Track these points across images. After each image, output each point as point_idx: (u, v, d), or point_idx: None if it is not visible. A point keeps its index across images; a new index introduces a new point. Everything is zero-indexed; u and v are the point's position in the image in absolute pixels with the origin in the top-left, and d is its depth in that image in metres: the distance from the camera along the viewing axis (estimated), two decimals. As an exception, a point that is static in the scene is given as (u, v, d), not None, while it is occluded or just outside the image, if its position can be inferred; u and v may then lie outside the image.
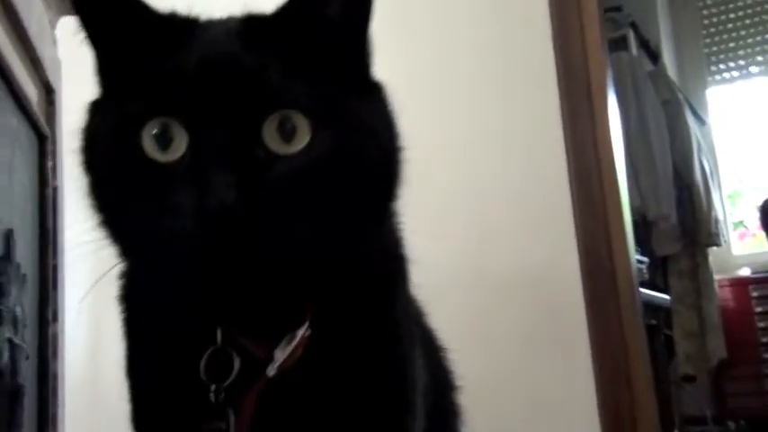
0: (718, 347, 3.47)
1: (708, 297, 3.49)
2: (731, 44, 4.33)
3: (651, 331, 2.67)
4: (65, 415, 1.00)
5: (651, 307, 2.91)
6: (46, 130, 0.92)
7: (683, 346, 3.41)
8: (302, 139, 0.56)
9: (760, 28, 4.26)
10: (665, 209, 3.13)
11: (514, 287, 1.77)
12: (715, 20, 4.34)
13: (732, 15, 4.32)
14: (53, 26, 0.99)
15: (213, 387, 0.60)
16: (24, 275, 0.85)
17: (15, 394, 0.79)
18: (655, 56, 3.67)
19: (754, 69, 4.30)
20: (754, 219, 4.02)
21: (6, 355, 0.76)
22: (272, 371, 0.61)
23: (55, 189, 0.97)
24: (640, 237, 2.61)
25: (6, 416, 0.76)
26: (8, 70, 0.77)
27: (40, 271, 0.93)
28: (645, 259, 3.01)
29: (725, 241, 3.77)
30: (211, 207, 0.52)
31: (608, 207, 1.85)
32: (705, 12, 4.35)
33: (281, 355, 0.61)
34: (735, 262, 4.09)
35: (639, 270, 2.46)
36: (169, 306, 0.62)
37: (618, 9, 3.40)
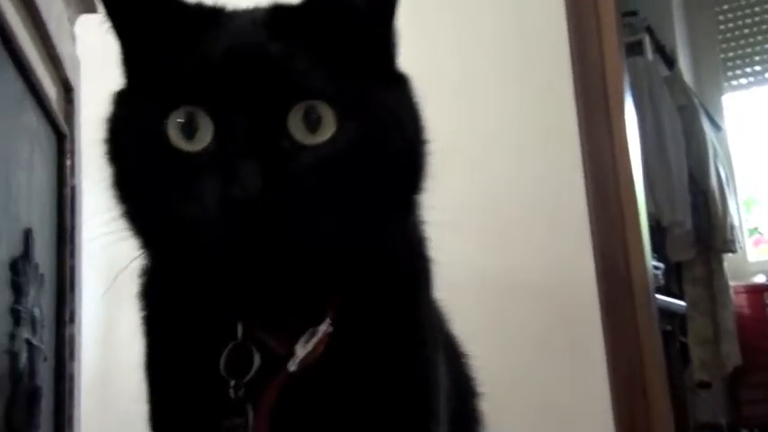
0: (733, 354, 3.43)
1: (723, 304, 3.47)
2: (747, 50, 4.31)
3: (666, 337, 2.65)
4: (80, 415, 1.00)
5: (666, 313, 2.89)
6: (65, 128, 0.91)
7: (697, 353, 3.39)
8: (328, 130, 0.55)
9: (777, 34, 4.24)
10: (680, 215, 3.11)
11: (529, 291, 1.76)
12: (731, 25, 4.31)
13: (749, 21, 4.29)
14: (72, 24, 0.99)
15: (233, 383, 0.60)
16: (42, 275, 0.84)
17: (33, 396, 0.78)
18: (670, 61, 3.64)
19: (770, 75, 4.28)
20: (769, 225, 3.99)
21: (25, 356, 0.76)
22: (293, 366, 0.60)
23: (73, 188, 0.96)
24: (655, 242, 2.58)
25: (24, 417, 0.75)
26: (29, 68, 0.76)
27: (57, 271, 0.93)
28: (660, 265, 2.99)
29: (740, 248, 3.73)
30: (237, 196, 0.52)
31: (624, 212, 1.83)
32: (721, 17, 4.33)
33: (302, 350, 0.60)
34: (750, 269, 4.06)
35: (655, 276, 2.44)
36: (190, 299, 0.61)
37: (634, 14, 3.38)
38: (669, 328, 2.99)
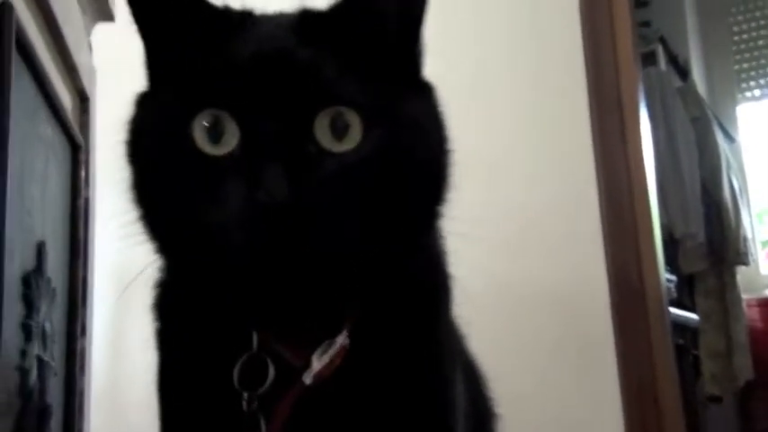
0: (745, 368, 3.39)
1: (735, 317, 3.43)
2: (762, 61, 4.27)
3: (679, 351, 2.62)
4: (90, 430, 0.98)
5: (679, 327, 2.86)
6: (80, 139, 0.90)
7: (708, 366, 3.35)
8: (354, 137, 0.55)
9: (791, 45, 4.21)
10: (693, 227, 3.09)
11: (541, 304, 1.75)
12: (745, 36, 4.29)
13: (763, 32, 4.26)
14: (88, 32, 0.98)
15: (246, 395, 0.59)
16: (54, 289, 0.83)
17: (43, 413, 0.76)
18: (683, 72, 3.62)
19: (785, 87, 4.25)
20: (783, 238, 3.95)
21: (35, 372, 0.74)
22: (308, 378, 0.59)
23: (86, 200, 0.95)
24: (667, 254, 2.56)
25: (35, 436, 0.73)
26: (45, 77, 0.75)
27: (69, 284, 0.91)
28: (673, 278, 2.96)
29: (753, 260, 3.70)
30: (262, 201, 0.51)
31: (638, 223, 1.83)
32: (735, 28, 4.30)
33: (318, 362, 0.59)
34: (763, 281, 4.02)
35: (668, 289, 2.41)
36: (205, 308, 0.60)
37: (647, 24, 3.36)
38: (682, 341, 2.96)
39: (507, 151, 1.82)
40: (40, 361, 0.75)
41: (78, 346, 0.93)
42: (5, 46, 0.61)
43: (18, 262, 0.72)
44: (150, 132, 0.59)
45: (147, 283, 0.67)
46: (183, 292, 0.64)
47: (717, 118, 3.67)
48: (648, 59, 3.20)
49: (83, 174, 0.92)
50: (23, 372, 0.72)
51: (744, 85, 4.30)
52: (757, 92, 4.29)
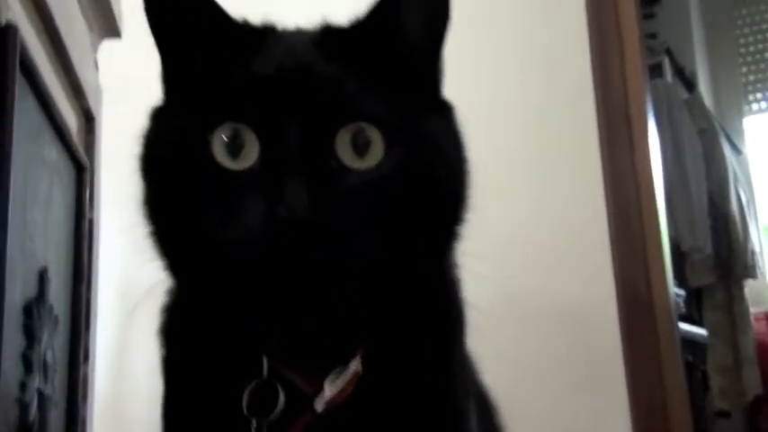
0: (753, 382, 3.36)
1: (743, 330, 3.40)
2: (768, 73, 4.27)
3: (687, 367, 2.59)
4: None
5: (687, 343, 2.83)
6: (85, 161, 0.87)
7: (717, 381, 3.32)
8: (375, 154, 0.55)
9: (798, 57, 4.20)
10: (701, 240, 3.07)
11: (548, 318, 1.75)
12: (752, 48, 4.28)
13: (770, 43, 4.26)
14: (95, 49, 0.95)
15: (255, 422, 0.57)
16: (57, 316, 0.80)
17: (45, 447, 0.73)
18: (690, 84, 3.61)
19: (791, 99, 4.24)
20: (790, 251, 3.92)
21: (35, 405, 0.71)
22: (320, 405, 0.57)
23: (91, 221, 0.92)
24: (674, 267, 2.55)
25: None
26: (50, 99, 0.72)
27: (72, 309, 0.88)
28: (682, 292, 2.94)
29: (761, 273, 3.67)
30: (282, 216, 0.51)
31: (646, 237, 1.83)
32: (742, 40, 4.30)
33: (330, 388, 0.58)
34: (770, 295, 3.98)
35: (677, 303, 2.39)
36: (215, 331, 0.59)
37: (653, 36, 3.35)
38: (690, 358, 2.93)
39: (515, 164, 1.81)
40: (41, 394, 0.72)
41: (81, 373, 0.90)
42: (9, 70, 0.59)
43: (19, 290, 0.69)
44: (167, 146, 0.58)
45: (153, 303, 0.65)
46: (192, 315, 0.62)
47: (724, 130, 3.66)
48: (655, 71, 3.19)
49: (87, 195, 0.89)
50: (23, 405, 0.69)
51: (750, 97, 4.29)
52: (764, 104, 4.29)
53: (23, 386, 0.69)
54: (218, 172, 0.54)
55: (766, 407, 3.49)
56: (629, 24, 1.92)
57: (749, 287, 3.57)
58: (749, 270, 3.40)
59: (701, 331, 3.22)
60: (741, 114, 4.26)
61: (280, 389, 0.58)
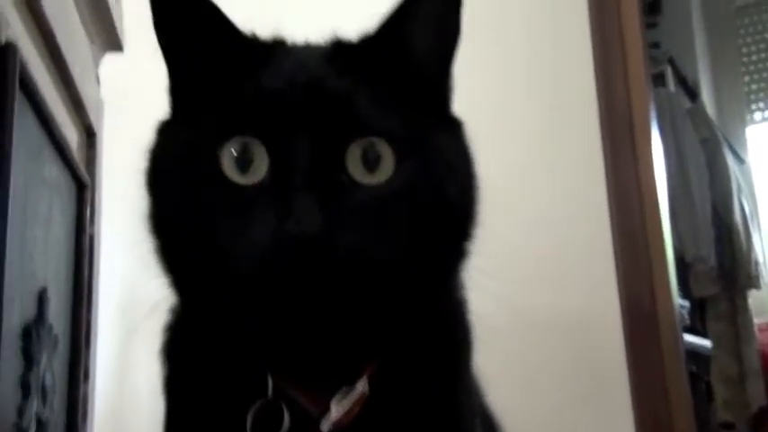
0: (757, 394, 3.34)
1: (747, 341, 3.38)
2: (772, 82, 4.26)
3: (692, 379, 2.58)
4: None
5: (691, 354, 2.81)
6: (86, 178, 0.86)
7: (721, 392, 3.30)
8: (386, 170, 0.54)
9: (801, 66, 4.20)
10: (704, 251, 3.06)
11: (553, 330, 1.74)
12: (755, 57, 4.28)
13: (773, 53, 4.25)
14: (97, 63, 0.94)
15: None
16: (56, 336, 0.78)
17: (43, 473, 0.72)
18: (693, 93, 3.61)
19: (794, 108, 4.23)
20: (794, 261, 3.89)
21: (33, 431, 0.69)
22: (326, 426, 0.56)
23: (91, 237, 0.91)
24: (678, 278, 2.54)
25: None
26: (50, 117, 0.71)
27: (72, 328, 0.86)
28: (686, 303, 2.92)
29: (765, 284, 3.65)
30: (292, 231, 0.50)
31: (650, 248, 1.83)
32: (744, 49, 4.30)
33: (337, 409, 0.56)
34: (774, 305, 3.96)
35: (681, 315, 2.38)
36: (219, 350, 0.58)
37: (656, 45, 3.35)
38: (694, 369, 2.91)
39: (519, 175, 1.80)
40: (39, 420, 0.71)
41: (81, 392, 0.88)
42: (9, 89, 0.57)
43: (18, 312, 0.67)
44: (174, 160, 0.57)
45: (155, 321, 0.64)
46: (195, 333, 0.61)
47: (726, 139, 3.65)
48: (657, 81, 3.19)
49: (88, 212, 0.88)
50: (21, 431, 0.67)
51: (753, 107, 4.29)
52: (767, 113, 4.27)
53: (21, 412, 0.67)
54: (227, 186, 0.53)
55: (770, 419, 3.47)
56: (632, 34, 1.92)
57: (753, 297, 3.55)
58: (753, 280, 3.39)
59: (705, 342, 3.21)
60: (744, 123, 4.25)
61: (285, 409, 0.57)
